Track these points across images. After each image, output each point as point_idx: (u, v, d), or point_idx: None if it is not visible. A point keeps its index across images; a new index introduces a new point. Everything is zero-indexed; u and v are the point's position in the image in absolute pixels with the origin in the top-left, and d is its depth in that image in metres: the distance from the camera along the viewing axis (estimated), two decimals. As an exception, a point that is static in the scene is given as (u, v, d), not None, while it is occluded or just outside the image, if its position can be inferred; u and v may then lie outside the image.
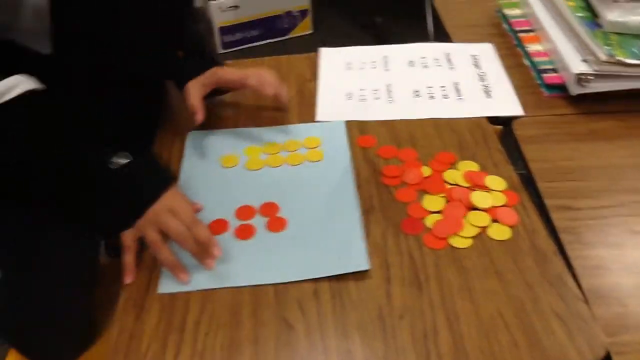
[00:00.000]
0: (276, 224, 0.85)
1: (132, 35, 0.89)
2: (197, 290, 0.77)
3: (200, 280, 0.78)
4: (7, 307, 1.06)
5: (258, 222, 0.86)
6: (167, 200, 0.80)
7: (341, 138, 1.01)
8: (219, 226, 0.85)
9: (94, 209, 0.81)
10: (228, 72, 1.02)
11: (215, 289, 0.77)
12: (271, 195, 0.90)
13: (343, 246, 0.81)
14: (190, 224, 0.79)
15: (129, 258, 0.80)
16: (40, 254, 0.96)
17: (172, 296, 0.77)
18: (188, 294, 0.77)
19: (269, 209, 0.88)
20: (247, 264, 0.80)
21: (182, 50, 1.06)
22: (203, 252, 0.79)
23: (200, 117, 0.98)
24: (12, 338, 1.08)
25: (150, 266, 0.81)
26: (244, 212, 0.87)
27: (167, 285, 0.78)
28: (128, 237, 0.80)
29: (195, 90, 1.00)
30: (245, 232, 0.84)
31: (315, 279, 0.77)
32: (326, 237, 0.83)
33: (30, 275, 0.97)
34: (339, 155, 0.97)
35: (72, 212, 0.88)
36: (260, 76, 1.01)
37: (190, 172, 0.95)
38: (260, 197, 0.90)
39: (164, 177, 0.84)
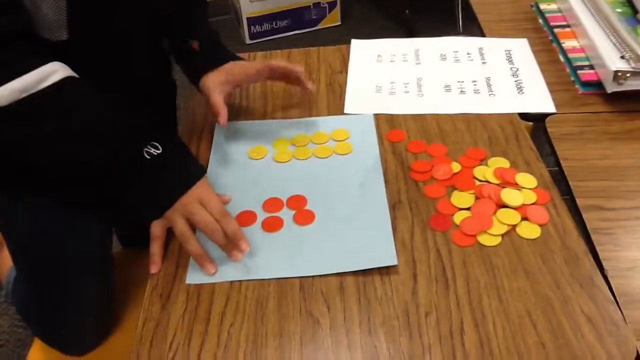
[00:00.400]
0: (304, 217, 0.85)
1: (139, 25, 0.90)
2: (223, 282, 0.77)
3: (227, 272, 0.78)
4: (29, 300, 1.09)
5: (286, 214, 0.86)
6: (197, 192, 0.80)
7: (370, 131, 1.00)
8: (246, 218, 0.85)
9: (125, 198, 0.81)
10: (246, 66, 0.99)
11: (241, 280, 0.77)
12: (299, 187, 0.90)
13: (371, 241, 0.81)
14: (219, 216, 0.79)
15: (156, 248, 0.81)
16: (55, 247, 0.98)
17: (198, 287, 0.77)
18: (213, 284, 0.77)
19: (296, 202, 0.87)
20: (273, 257, 0.80)
21: (196, 40, 1.01)
22: (231, 245, 0.79)
23: (223, 120, 0.94)
24: (36, 328, 1.11)
25: (177, 256, 0.81)
26: (272, 204, 0.87)
27: (194, 276, 0.78)
28: (157, 227, 0.81)
29: (216, 90, 0.96)
30: (272, 225, 0.84)
31: (341, 273, 0.77)
32: (354, 231, 0.82)
33: (47, 269, 0.99)
34: (367, 149, 0.96)
35: (100, 199, 0.89)
36: (284, 63, 0.97)
37: (218, 164, 0.96)
38: (288, 190, 0.89)
39: (195, 169, 0.84)
